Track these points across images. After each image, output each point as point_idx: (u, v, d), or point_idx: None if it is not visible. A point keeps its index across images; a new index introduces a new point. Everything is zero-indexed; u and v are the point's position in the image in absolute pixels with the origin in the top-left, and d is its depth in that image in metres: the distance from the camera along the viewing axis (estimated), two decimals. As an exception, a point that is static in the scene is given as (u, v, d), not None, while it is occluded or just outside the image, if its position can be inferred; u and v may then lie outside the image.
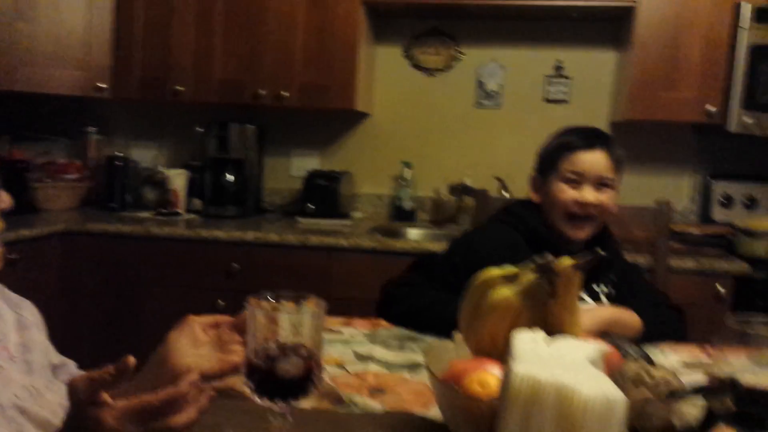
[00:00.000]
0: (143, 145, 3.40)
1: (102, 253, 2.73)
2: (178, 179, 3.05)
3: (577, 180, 1.56)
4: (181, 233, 2.68)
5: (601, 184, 1.56)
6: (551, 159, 1.61)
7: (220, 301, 2.64)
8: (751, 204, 2.89)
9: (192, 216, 3.03)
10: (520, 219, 1.63)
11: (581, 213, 1.56)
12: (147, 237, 2.69)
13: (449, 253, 1.63)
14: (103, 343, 2.73)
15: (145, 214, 3.01)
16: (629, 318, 1.45)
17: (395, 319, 1.55)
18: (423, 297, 1.53)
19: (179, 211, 3.03)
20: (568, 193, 1.56)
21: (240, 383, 1.06)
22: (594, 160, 1.55)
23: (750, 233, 2.58)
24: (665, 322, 1.54)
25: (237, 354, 0.96)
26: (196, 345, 0.95)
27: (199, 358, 0.94)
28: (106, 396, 0.73)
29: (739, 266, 2.45)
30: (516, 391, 0.63)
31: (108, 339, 2.73)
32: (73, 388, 0.72)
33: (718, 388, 0.66)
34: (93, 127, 3.28)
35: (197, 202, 3.12)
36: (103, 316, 2.74)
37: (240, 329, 0.98)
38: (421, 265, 1.66)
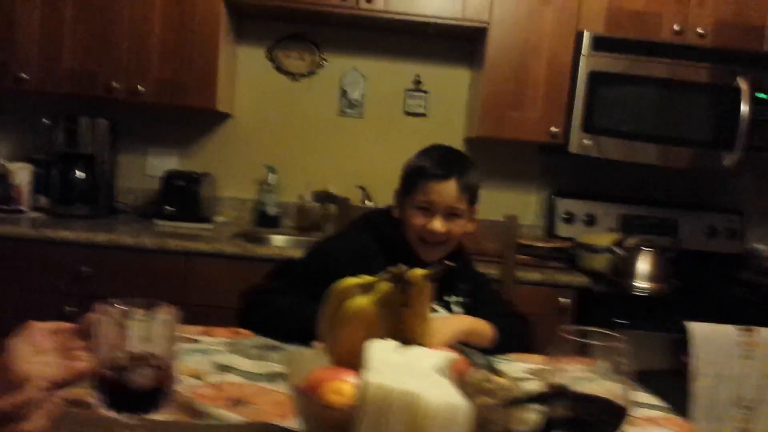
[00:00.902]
0: (-19, 136, 3.12)
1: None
2: (21, 174, 2.83)
3: (428, 208, 1.62)
4: (25, 233, 2.49)
5: (451, 214, 1.62)
6: (409, 182, 1.66)
7: (68, 306, 2.47)
8: (590, 221, 3.14)
9: (37, 214, 2.82)
10: (377, 228, 1.69)
11: (430, 240, 1.63)
12: (-15, 235, 2.47)
13: (306, 259, 1.65)
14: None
15: (-18, 211, 2.77)
16: (483, 328, 1.53)
17: (255, 327, 1.53)
18: (281, 303, 1.53)
19: (23, 208, 2.82)
20: (419, 219, 1.62)
21: (88, 394, 1.01)
22: (445, 191, 1.60)
23: (590, 248, 2.80)
24: (515, 332, 1.62)
25: (82, 360, 0.93)
26: (38, 352, 0.91)
27: (43, 365, 0.89)
28: None
29: (580, 279, 2.63)
30: (367, 399, 0.65)
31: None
32: None
33: (552, 395, 0.72)
34: None
35: (43, 200, 2.91)
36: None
37: (84, 335, 0.95)
38: (281, 272, 1.68)
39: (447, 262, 1.02)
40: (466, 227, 1.67)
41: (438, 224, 1.61)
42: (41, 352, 0.91)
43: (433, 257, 1.64)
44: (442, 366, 0.76)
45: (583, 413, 0.81)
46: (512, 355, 1.59)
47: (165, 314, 0.79)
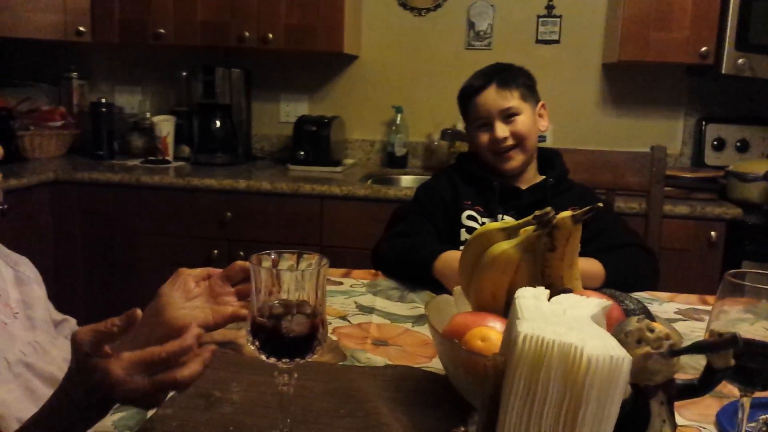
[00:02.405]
0: (127, 91, 3.33)
1: (92, 203, 2.71)
2: (165, 126, 3.00)
3: (486, 122, 1.66)
4: (172, 182, 2.65)
5: (507, 116, 1.64)
6: (463, 111, 1.75)
7: (215, 250, 2.64)
8: (743, 147, 2.89)
9: (181, 163, 3.00)
10: (460, 163, 1.77)
11: (501, 149, 1.65)
12: (137, 186, 2.66)
13: (414, 200, 1.76)
14: (97, 294, 2.74)
15: (133, 162, 2.97)
16: (591, 268, 1.43)
17: (386, 270, 1.59)
18: (402, 244, 1.58)
19: (168, 158, 3.00)
20: (482, 137, 1.67)
21: (241, 337, 1.07)
22: (489, 97, 1.65)
23: (742, 177, 2.58)
24: (631, 269, 1.51)
25: (230, 305, 0.97)
26: (189, 297, 0.96)
27: (193, 310, 0.94)
28: (110, 349, 0.74)
29: (732, 210, 2.46)
30: (521, 352, 0.63)
31: (102, 289, 2.74)
32: (77, 341, 0.73)
33: (719, 344, 0.67)
34: (74, 72, 3.21)
35: (186, 149, 3.08)
36: (96, 267, 2.74)
37: (231, 280, 0.99)
38: (399, 218, 1.77)
39: (599, 204, 0.95)
40: (535, 124, 1.68)
41: (499, 130, 1.64)
42: (192, 297, 0.96)
43: (514, 164, 1.66)
44: (598, 314, 0.73)
45: (750, 362, 0.76)
46: (661, 294, 1.52)
47: (316, 263, 0.80)
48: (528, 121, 1.66)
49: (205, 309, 0.95)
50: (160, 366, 0.74)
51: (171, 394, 0.87)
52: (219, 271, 1.00)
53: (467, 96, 1.69)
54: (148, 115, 3.18)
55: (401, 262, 1.54)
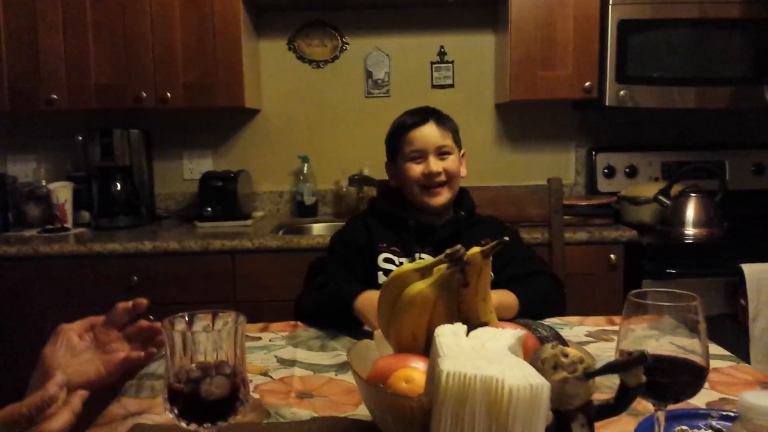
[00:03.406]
0: (21, 159, 3.18)
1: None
2: (62, 192, 2.87)
3: (420, 155, 1.70)
4: (72, 249, 2.53)
5: (441, 153, 1.70)
6: (393, 144, 1.76)
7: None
8: (632, 172, 3.07)
9: (81, 230, 2.88)
10: (373, 206, 1.81)
11: (432, 183, 1.69)
12: (36, 257, 2.52)
13: (330, 249, 1.78)
14: (3, 371, 2.55)
15: (30, 232, 2.83)
16: (506, 299, 1.49)
17: (309, 321, 1.58)
18: (322, 292, 1.59)
19: (67, 226, 2.87)
20: (415, 169, 1.70)
21: (156, 405, 1.02)
22: (427, 134, 1.70)
23: (634, 201, 2.74)
24: (542, 297, 1.58)
25: (120, 351, 0.93)
26: (75, 354, 0.92)
27: (82, 365, 0.90)
28: None
29: (628, 233, 2.58)
30: (445, 389, 0.64)
31: (7, 367, 2.55)
32: None
33: (629, 362, 0.71)
34: (-38, 144, 3.05)
35: (86, 215, 2.96)
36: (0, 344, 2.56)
37: (116, 325, 0.95)
38: (317, 268, 1.79)
39: (505, 238, 0.99)
40: (461, 168, 1.75)
41: (433, 164, 1.68)
42: (78, 353, 0.92)
43: (441, 200, 1.71)
44: (514, 345, 0.75)
45: (663, 377, 0.80)
46: (570, 319, 1.57)
47: (232, 321, 0.79)
48: (457, 162, 1.73)
49: (95, 361, 0.91)
50: (25, 424, 0.69)
51: None
52: (101, 318, 0.96)
53: (403, 130, 1.73)
54: (43, 182, 3.04)
55: (322, 308, 1.54)
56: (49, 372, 0.87)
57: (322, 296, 1.57)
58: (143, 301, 0.96)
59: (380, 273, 1.65)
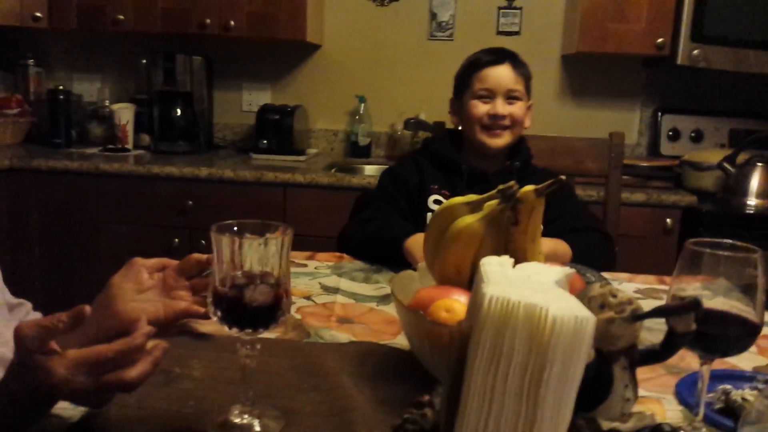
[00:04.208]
0: (86, 78, 3.25)
1: (50, 191, 2.64)
2: (124, 114, 2.93)
3: (488, 95, 1.66)
4: (132, 169, 2.60)
5: (510, 97, 1.66)
6: (464, 79, 1.72)
7: (175, 239, 2.59)
8: (697, 137, 2.96)
9: (141, 152, 2.94)
10: (427, 147, 1.78)
11: (495, 124, 1.66)
12: (96, 173, 2.60)
13: (379, 185, 1.77)
14: (54, 281, 2.67)
15: (92, 150, 2.91)
16: (561, 248, 1.47)
17: (353, 252, 1.59)
18: (371, 225, 1.59)
19: (128, 147, 2.93)
20: (481, 108, 1.67)
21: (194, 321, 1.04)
22: (501, 74, 1.66)
23: (697, 166, 2.64)
24: (595, 252, 1.56)
25: (183, 300, 0.94)
26: (140, 290, 0.92)
27: (144, 303, 0.90)
28: (55, 345, 0.68)
29: (687, 198, 2.51)
30: (487, 313, 0.63)
31: (59, 277, 2.68)
32: (20, 336, 0.68)
33: (681, 307, 0.68)
34: (31, 60, 3.12)
35: (146, 138, 3.02)
36: (53, 254, 2.67)
37: (186, 273, 0.96)
38: (364, 203, 1.79)
39: (561, 177, 0.96)
40: (527, 115, 1.71)
41: (500, 106, 1.65)
42: (144, 290, 0.93)
43: (500, 142, 1.68)
44: (562, 280, 0.74)
45: (711, 329, 0.77)
46: (620, 275, 1.54)
47: (279, 234, 0.79)
48: (524, 109, 1.69)
49: (157, 303, 0.91)
50: (106, 366, 0.69)
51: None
52: (174, 262, 0.96)
53: (477, 66, 1.68)
54: (107, 102, 3.11)
55: (370, 243, 1.54)
56: (113, 302, 0.88)
57: (371, 230, 1.56)
58: None
59: (429, 215, 1.64)
